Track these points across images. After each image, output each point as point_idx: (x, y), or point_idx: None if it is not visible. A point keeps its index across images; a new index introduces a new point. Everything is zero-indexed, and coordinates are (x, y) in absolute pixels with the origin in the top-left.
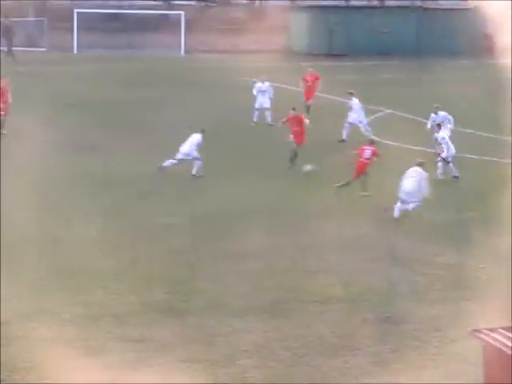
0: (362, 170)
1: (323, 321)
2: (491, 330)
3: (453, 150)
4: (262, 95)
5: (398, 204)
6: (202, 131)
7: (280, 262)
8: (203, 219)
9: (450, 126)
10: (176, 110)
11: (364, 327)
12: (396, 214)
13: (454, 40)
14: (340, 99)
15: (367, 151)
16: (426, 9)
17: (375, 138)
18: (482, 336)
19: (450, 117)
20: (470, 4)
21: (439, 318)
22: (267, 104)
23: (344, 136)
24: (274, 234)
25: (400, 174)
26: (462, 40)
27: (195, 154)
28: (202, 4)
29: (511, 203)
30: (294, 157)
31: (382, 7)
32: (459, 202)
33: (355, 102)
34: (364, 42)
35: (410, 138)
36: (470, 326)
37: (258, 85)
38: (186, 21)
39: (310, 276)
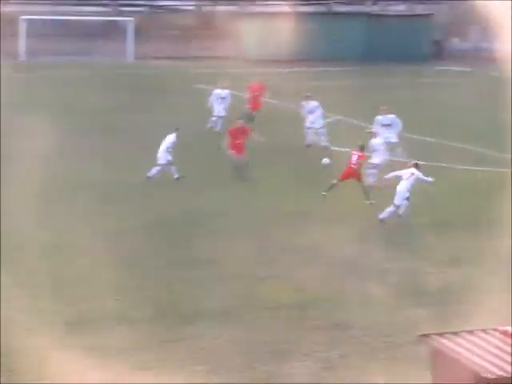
0: (351, 176)
1: (274, 327)
2: (440, 334)
3: (386, 156)
4: (221, 102)
5: (391, 207)
6: (177, 130)
7: (232, 268)
8: (155, 226)
9: (396, 130)
10: (128, 116)
11: (314, 333)
12: (383, 215)
13: (403, 46)
14: (292, 105)
15: (354, 156)
16: (375, 15)
17: (327, 144)
18: (431, 341)
19: (398, 120)
20: (420, 10)
21: (388, 323)
22: (223, 112)
23: (309, 141)
24: (227, 240)
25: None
26: (411, 46)
27: (168, 157)
28: (152, 10)
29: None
30: (242, 168)
31: (331, 13)
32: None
33: (314, 104)
34: (314, 48)
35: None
36: (419, 331)
37: (217, 91)
38: (136, 27)
39: (263, 282)
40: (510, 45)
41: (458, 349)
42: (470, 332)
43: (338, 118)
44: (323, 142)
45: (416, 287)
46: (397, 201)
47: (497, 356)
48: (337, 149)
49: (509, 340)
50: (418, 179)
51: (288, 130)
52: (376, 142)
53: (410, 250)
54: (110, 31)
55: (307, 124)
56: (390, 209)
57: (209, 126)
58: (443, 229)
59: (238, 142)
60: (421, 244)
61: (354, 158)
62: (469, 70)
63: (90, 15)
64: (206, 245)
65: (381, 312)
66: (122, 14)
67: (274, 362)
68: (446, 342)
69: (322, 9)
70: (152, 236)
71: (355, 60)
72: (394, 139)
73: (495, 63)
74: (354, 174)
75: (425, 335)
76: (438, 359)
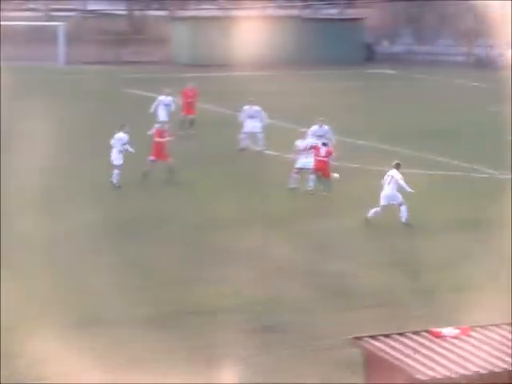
0: (321, 169)
1: (208, 331)
2: (372, 337)
3: (304, 162)
4: (164, 109)
5: (377, 208)
6: (122, 127)
7: (167, 273)
8: (83, 231)
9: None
10: (58, 121)
11: (248, 337)
12: (370, 214)
13: (335, 49)
14: (226, 110)
15: (322, 149)
16: (307, 19)
17: (262, 149)
18: (363, 343)
19: (327, 127)
20: (352, 14)
21: (321, 326)
22: (166, 117)
23: (243, 145)
24: (155, 244)
25: (281, 184)
26: (343, 49)
27: (117, 161)
28: (83, 15)
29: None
30: (169, 172)
31: (263, 17)
32: (336, 211)
33: (256, 109)
34: (245, 52)
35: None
36: (351, 334)
37: (161, 98)
38: (67, 32)
39: (199, 287)
40: (442, 48)
41: (389, 351)
42: (402, 334)
43: (271, 121)
44: (259, 146)
45: (348, 290)
46: (382, 202)
47: (428, 357)
48: (272, 153)
49: (440, 341)
50: (398, 183)
51: (222, 135)
52: (301, 144)
53: (341, 253)
54: (42, 36)
55: (244, 129)
56: (376, 209)
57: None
58: (370, 231)
59: (159, 145)
60: (350, 247)
61: (323, 151)
62: (399, 72)
63: (21, 20)
64: (142, 250)
65: (314, 314)
66: (53, 18)
67: (208, 367)
68: (378, 344)
69: (254, 13)
70: (78, 242)
71: (287, 64)
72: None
73: (425, 66)
74: (324, 168)
75: (357, 337)
76: (371, 361)
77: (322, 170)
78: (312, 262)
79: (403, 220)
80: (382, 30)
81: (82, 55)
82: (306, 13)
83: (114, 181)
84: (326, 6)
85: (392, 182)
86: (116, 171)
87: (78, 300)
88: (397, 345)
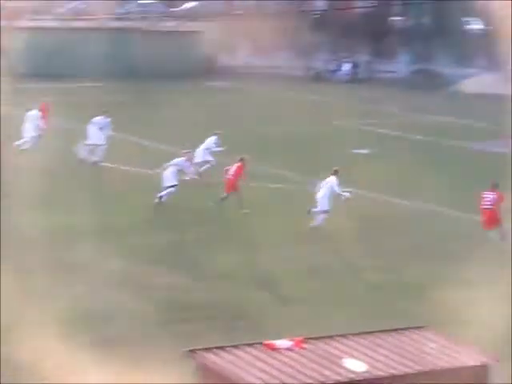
0: (230, 187)
1: (38, 344)
2: (206, 349)
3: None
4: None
5: (317, 214)
6: None
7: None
8: None
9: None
10: None
11: (84, 350)
12: (317, 222)
13: (174, 62)
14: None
15: (232, 168)
16: (146, 31)
17: (97, 160)
18: (196, 356)
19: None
20: (192, 27)
21: (158, 338)
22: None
23: (82, 156)
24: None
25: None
26: (182, 62)
27: None
28: None
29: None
30: None
31: (103, 29)
32: (178, 224)
33: (105, 121)
34: (85, 64)
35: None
36: (187, 346)
37: (31, 113)
38: None
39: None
40: (281, 61)
41: (223, 364)
42: (236, 346)
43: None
44: (96, 157)
45: (187, 302)
46: (322, 207)
47: (262, 370)
48: (109, 165)
49: (274, 353)
50: (332, 190)
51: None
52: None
53: (177, 266)
54: None
55: (88, 141)
56: (320, 217)
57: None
58: (213, 243)
59: None
60: (187, 259)
61: (232, 170)
62: (237, 86)
63: None
64: None
65: (151, 327)
66: None
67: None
68: (211, 357)
69: (94, 24)
70: None
71: (124, 76)
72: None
73: (264, 79)
74: (234, 185)
75: (191, 350)
76: (205, 375)
77: (232, 189)
78: (148, 275)
79: (314, 225)
80: (223, 44)
81: None
82: (146, 25)
83: None
84: (165, 18)
85: (326, 188)
86: None
87: None
88: (231, 357)
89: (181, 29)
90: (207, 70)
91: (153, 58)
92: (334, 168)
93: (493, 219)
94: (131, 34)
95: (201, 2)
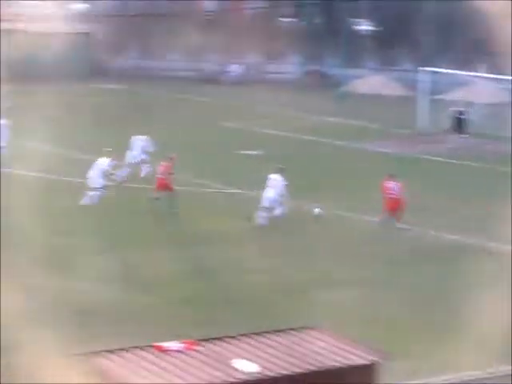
0: (162, 187)
1: None
2: (95, 354)
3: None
4: None
5: (262, 212)
6: None
7: None
8: None
9: None
10: None
11: None
12: (262, 221)
13: (59, 64)
14: None
15: (161, 167)
16: (31, 33)
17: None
18: (86, 360)
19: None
20: (78, 29)
21: (43, 342)
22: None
23: None
24: None
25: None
26: (67, 64)
27: None
28: None
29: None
30: None
31: None
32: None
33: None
34: None
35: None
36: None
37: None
38: None
39: None
40: (171, 63)
41: (113, 367)
42: (125, 349)
43: None
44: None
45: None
46: (265, 204)
47: (151, 372)
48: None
49: (164, 355)
50: (280, 188)
51: None
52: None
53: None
54: None
55: None
56: (263, 213)
57: None
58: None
59: None
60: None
61: (161, 170)
62: (123, 87)
63: None
64: None
65: (36, 331)
66: None
67: None
68: (102, 361)
69: None
70: None
71: (5, 79)
72: None
73: (153, 81)
74: (166, 185)
75: (80, 354)
76: (95, 378)
77: (163, 188)
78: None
79: (277, 215)
80: (110, 45)
81: None
82: (31, 26)
83: None
84: (52, 19)
85: (275, 186)
86: None
87: None
88: (120, 360)
89: (66, 30)
90: (95, 71)
91: (40, 58)
92: (279, 166)
93: (396, 206)
94: (15, 35)
95: (92, 3)
